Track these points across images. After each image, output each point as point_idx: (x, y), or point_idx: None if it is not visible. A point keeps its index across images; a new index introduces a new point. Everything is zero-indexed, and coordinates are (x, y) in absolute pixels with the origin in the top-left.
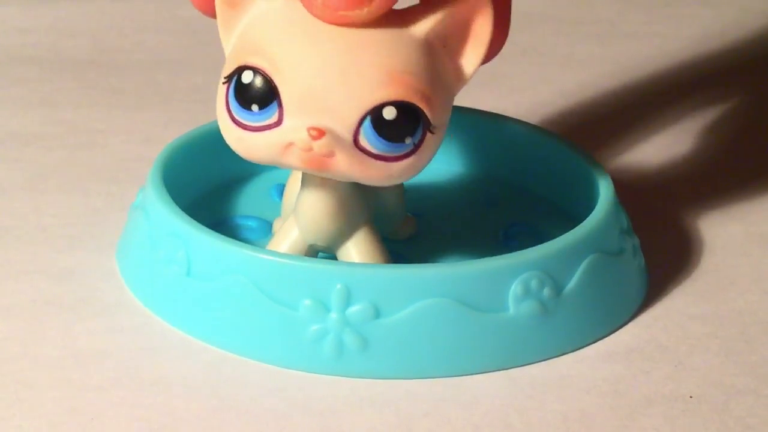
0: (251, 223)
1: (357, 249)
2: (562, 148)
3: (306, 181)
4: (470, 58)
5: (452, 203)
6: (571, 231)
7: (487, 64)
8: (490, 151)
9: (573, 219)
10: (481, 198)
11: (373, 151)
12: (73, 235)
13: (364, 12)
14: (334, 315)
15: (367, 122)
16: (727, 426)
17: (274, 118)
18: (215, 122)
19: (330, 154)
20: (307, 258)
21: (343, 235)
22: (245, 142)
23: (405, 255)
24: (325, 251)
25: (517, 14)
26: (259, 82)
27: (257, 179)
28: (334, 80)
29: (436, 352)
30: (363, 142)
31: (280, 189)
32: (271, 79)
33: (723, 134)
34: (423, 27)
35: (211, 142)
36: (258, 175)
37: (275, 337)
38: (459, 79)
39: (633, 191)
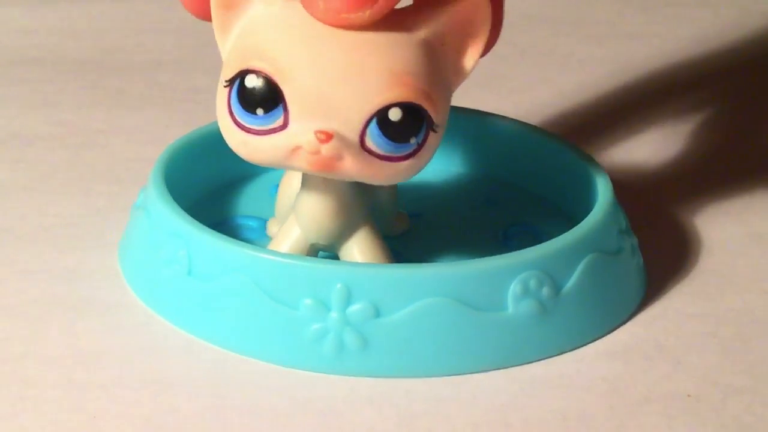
0: (252, 223)
1: (359, 247)
2: (561, 148)
3: (306, 180)
4: (468, 55)
5: (452, 203)
6: (570, 231)
7: (487, 65)
8: (490, 151)
9: (572, 219)
10: (480, 198)
11: (379, 151)
12: (75, 234)
13: (366, 14)
14: (334, 314)
15: (374, 124)
16: (724, 424)
17: (280, 122)
18: (216, 123)
19: (338, 157)
20: (307, 258)
21: (344, 233)
22: (249, 145)
23: (404, 255)
24: (326, 250)
25: (518, 15)
26: (263, 85)
27: (258, 179)
28: (339, 83)
29: (435, 351)
30: (369, 143)
31: None
32: (276, 83)
33: (722, 134)
34: (422, 27)
35: (212, 142)
36: (258, 175)
37: (276, 336)
38: (457, 76)
39: (632, 191)
